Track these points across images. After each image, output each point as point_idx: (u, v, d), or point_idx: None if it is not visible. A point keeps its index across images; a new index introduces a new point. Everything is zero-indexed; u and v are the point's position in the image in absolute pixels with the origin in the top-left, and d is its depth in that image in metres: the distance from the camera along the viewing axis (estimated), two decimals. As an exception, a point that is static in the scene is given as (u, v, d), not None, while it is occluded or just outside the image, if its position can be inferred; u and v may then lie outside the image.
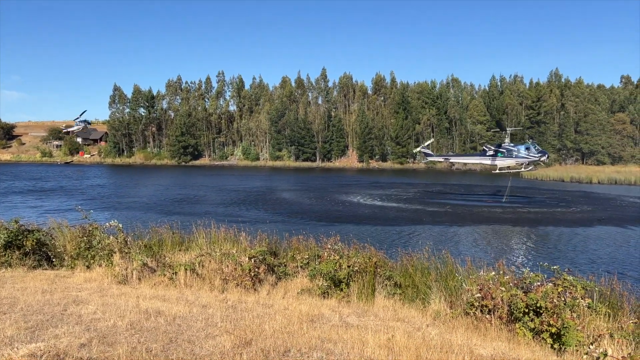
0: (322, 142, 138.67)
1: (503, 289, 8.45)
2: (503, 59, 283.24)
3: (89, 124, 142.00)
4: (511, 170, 51.56)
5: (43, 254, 12.49)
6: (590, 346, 6.44)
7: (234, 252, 11.51)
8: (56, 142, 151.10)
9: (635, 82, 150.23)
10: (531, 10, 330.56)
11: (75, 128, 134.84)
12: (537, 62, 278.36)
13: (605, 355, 3.93)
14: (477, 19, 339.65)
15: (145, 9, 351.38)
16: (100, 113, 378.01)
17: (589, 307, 8.15)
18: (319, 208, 39.44)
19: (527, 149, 49.84)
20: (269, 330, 6.84)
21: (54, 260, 12.46)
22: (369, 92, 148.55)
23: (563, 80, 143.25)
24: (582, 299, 8.15)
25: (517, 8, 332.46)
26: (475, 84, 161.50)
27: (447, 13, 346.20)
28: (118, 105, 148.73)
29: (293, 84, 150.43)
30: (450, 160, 67.00)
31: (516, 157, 49.58)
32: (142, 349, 5.75)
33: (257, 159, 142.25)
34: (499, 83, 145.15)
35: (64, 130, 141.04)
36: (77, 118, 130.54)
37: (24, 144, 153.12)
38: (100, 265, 11.42)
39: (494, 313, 8.31)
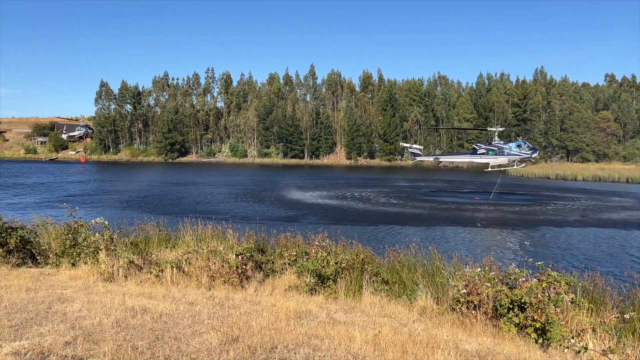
0: (310, 139, 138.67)
1: (488, 284, 8.54)
2: (490, 56, 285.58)
3: (90, 129, 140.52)
4: (502, 168, 52.02)
5: (27, 252, 12.34)
6: (572, 340, 6.55)
7: (221, 249, 11.48)
8: (40, 139, 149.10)
9: (619, 81, 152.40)
10: (518, 9, 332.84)
11: (76, 133, 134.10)
12: (523, 60, 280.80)
13: (586, 349, 4.01)
14: (464, 16, 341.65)
15: (132, 4, 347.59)
16: (85, 109, 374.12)
17: (572, 302, 8.27)
18: (308, 204, 39.45)
19: (519, 146, 50.25)
20: (256, 327, 6.84)
21: (38, 258, 12.32)
22: (357, 89, 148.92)
23: (548, 78, 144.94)
24: (565, 294, 8.27)
25: (504, 7, 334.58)
26: (463, 81, 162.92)
27: (434, 11, 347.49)
28: (104, 101, 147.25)
29: (281, 81, 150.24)
30: (440, 160, 67.40)
31: (508, 154, 49.96)
32: (128, 346, 5.72)
33: (245, 156, 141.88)
34: (486, 81, 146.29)
35: (65, 134, 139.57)
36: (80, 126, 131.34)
37: (7, 140, 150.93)
38: (85, 263, 11.32)
39: (479, 309, 8.40)
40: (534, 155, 51.37)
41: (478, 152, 51.85)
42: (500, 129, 52.68)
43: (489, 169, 52.17)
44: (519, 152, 49.90)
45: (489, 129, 55.31)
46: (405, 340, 6.50)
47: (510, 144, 50.86)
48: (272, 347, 5.94)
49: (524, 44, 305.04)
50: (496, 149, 50.31)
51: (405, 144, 66.81)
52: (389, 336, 6.59)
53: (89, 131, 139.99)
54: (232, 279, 10.60)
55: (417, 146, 58.78)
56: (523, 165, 53.31)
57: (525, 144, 50.90)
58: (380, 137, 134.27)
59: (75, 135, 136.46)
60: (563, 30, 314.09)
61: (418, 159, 60.05)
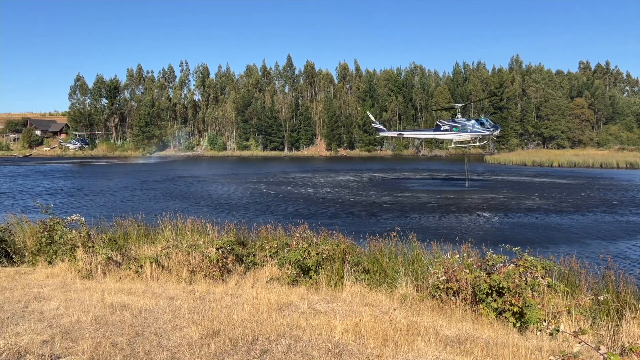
0: (289, 131, 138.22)
1: (467, 271, 8.66)
2: (466, 44, 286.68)
3: (87, 143, 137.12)
4: (465, 145, 52.54)
5: (2, 251, 12.11)
6: (544, 323, 6.71)
7: (201, 243, 11.42)
8: (13, 135, 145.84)
9: (593, 68, 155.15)
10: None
11: (72, 146, 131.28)
12: (499, 48, 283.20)
13: (558, 331, 4.10)
14: (438, 4, 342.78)
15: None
16: (58, 104, 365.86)
17: (548, 286, 8.44)
18: (290, 196, 39.41)
19: (481, 123, 50.62)
20: (237, 319, 6.83)
21: (13, 257, 12.11)
22: (335, 80, 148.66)
23: (524, 66, 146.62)
24: (542, 278, 8.44)
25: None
26: (440, 70, 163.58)
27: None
28: (79, 95, 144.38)
29: (259, 73, 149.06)
30: (404, 135, 67.35)
31: (471, 131, 50.32)
32: (107, 343, 5.66)
33: (224, 149, 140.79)
34: (462, 70, 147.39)
35: (62, 144, 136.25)
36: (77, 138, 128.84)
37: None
38: (63, 261, 11.16)
39: (458, 295, 8.52)
40: (495, 133, 51.81)
41: (441, 129, 52.12)
42: (462, 105, 53.27)
43: (453, 146, 52.83)
44: (481, 129, 50.34)
45: (456, 105, 55.26)
46: (385, 328, 6.57)
47: (473, 121, 50.96)
48: (253, 339, 5.94)
49: (499, 31, 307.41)
50: (459, 125, 50.58)
51: (370, 116, 66.14)
52: (369, 324, 6.64)
53: (85, 145, 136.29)
54: (213, 272, 10.56)
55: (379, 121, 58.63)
56: (485, 142, 53.91)
57: (487, 121, 51.25)
58: (360, 127, 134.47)
59: (69, 147, 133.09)
60: (537, 17, 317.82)
61: (382, 134, 60.45)
